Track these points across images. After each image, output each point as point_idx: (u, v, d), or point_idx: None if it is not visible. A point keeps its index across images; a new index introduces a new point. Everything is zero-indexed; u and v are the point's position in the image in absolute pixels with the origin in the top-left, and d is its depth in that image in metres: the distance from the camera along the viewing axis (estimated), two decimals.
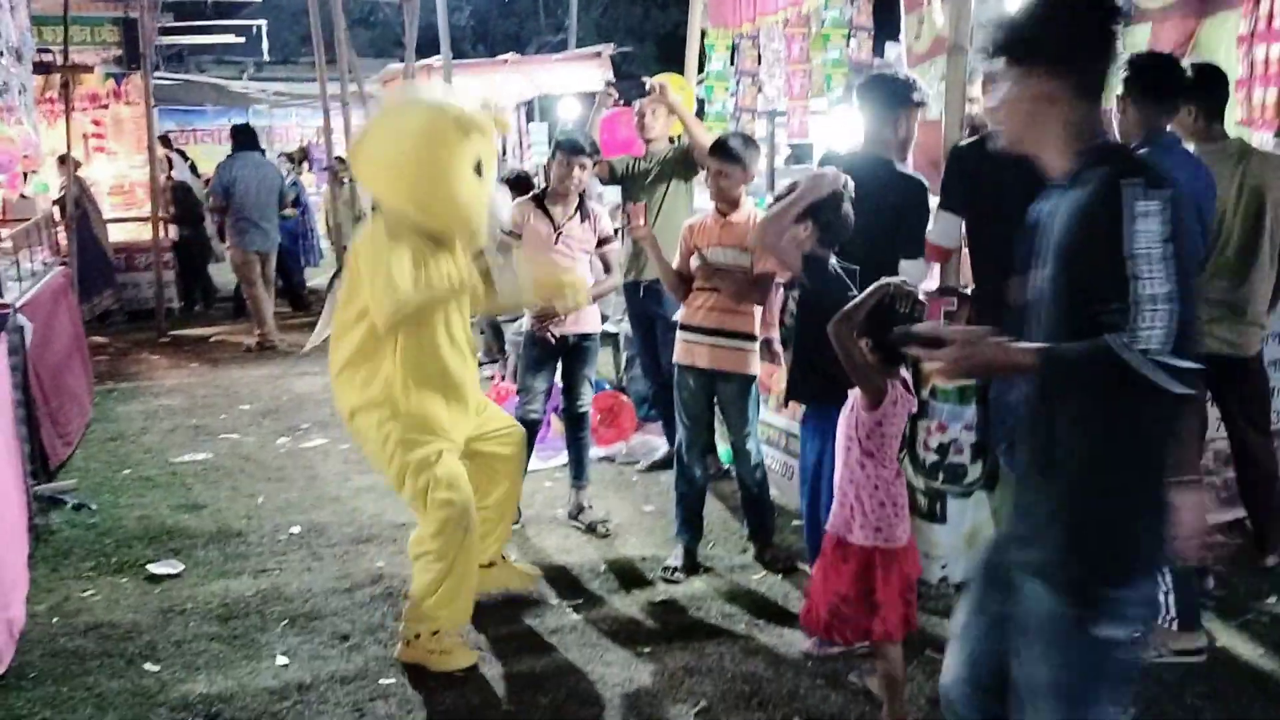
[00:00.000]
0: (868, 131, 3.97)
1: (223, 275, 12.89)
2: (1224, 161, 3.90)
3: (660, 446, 6.06)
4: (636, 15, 27.41)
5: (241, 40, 14.13)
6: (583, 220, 4.77)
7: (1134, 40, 5.74)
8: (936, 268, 4.07)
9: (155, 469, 6.01)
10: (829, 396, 3.39)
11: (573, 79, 12.96)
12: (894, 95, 3.92)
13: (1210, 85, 3.95)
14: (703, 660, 3.67)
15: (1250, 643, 3.70)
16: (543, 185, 5.00)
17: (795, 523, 4.87)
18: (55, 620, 4.09)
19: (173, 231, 11.37)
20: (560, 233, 4.73)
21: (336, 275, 10.28)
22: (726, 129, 6.00)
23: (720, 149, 4.29)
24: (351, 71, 10.34)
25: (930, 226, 3.92)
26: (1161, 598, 3.61)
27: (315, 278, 12.77)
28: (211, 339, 10.23)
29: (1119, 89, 3.68)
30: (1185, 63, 4.17)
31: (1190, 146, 3.90)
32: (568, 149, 4.74)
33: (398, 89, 12.70)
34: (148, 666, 3.73)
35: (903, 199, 3.84)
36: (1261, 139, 5.39)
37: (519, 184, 8.11)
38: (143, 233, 11.19)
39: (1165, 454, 2.00)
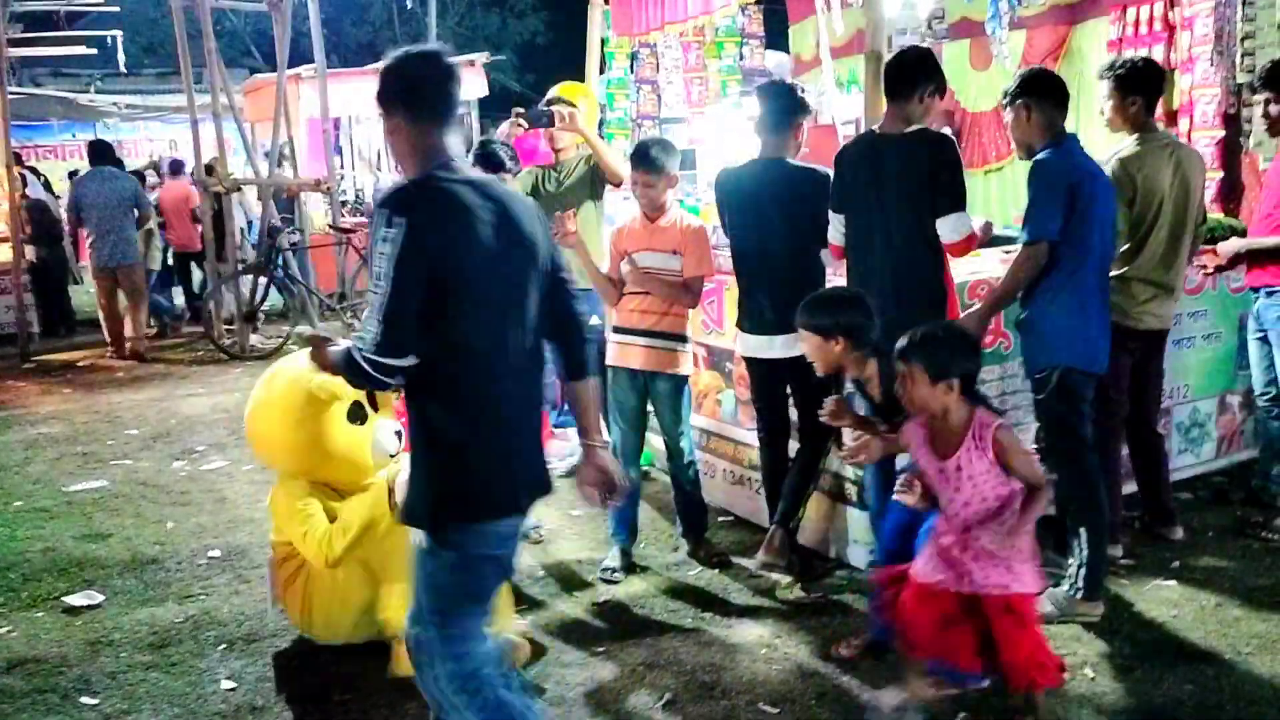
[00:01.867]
0: (767, 136, 4.23)
1: (79, 297, 12.38)
2: (1161, 151, 4.21)
3: (576, 451, 6.11)
4: (494, 24, 27.34)
5: (94, 52, 13.51)
6: None
7: (1012, 46, 6.09)
8: (842, 265, 4.23)
9: (49, 499, 5.74)
10: None
11: None
12: (797, 102, 4.23)
13: (1155, 80, 4.27)
14: (659, 655, 3.73)
15: (1163, 606, 3.96)
16: None
17: (721, 518, 4.99)
18: None
19: (29, 252, 10.80)
20: None
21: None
22: (629, 136, 6.08)
23: (642, 159, 4.36)
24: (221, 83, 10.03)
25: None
26: (1073, 569, 3.87)
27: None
28: (80, 363, 9.79)
29: (1015, 100, 3.93)
30: (1058, 67, 4.49)
31: (1133, 137, 4.21)
32: (489, 164, 4.67)
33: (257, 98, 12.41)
34: (85, 700, 3.59)
35: (810, 189, 4.14)
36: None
37: None
38: None
39: (457, 430, 2.55)
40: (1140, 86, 4.19)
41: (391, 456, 3.75)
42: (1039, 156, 3.81)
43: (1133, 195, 4.13)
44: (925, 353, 2.90)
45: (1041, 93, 3.87)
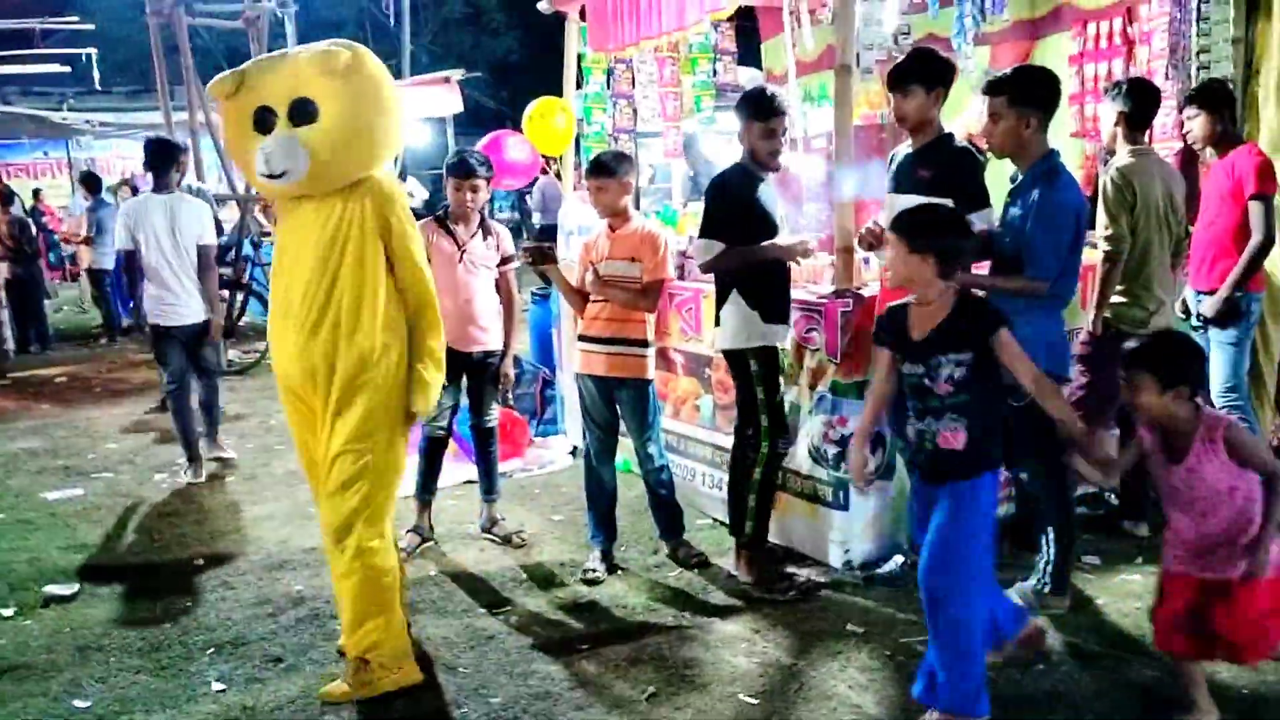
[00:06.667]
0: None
1: (53, 315, 12.40)
2: (1152, 164, 4.43)
3: (554, 459, 6.22)
4: (468, 41, 27.46)
5: (68, 69, 13.52)
6: (485, 238, 4.88)
7: (978, 61, 6.24)
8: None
9: (31, 511, 5.77)
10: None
11: (422, 104, 12.92)
12: (757, 104, 4.26)
13: (1147, 98, 4.48)
14: (642, 651, 3.83)
15: (1127, 598, 4.11)
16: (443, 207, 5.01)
17: (700, 521, 5.09)
18: None
19: (4, 269, 10.82)
20: (464, 251, 4.82)
21: None
22: (606, 148, 6.21)
23: (592, 166, 4.57)
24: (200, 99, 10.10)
25: None
26: (1041, 565, 4.00)
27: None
28: (57, 379, 9.80)
29: (1020, 104, 3.79)
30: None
31: (1126, 149, 4.43)
32: (460, 173, 4.77)
33: None
34: (77, 704, 3.64)
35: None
36: (1093, 148, 5.96)
37: None
38: None
39: None
40: (1131, 103, 4.41)
41: None
42: (1050, 194, 3.75)
43: (1134, 202, 4.29)
44: (1154, 362, 3.01)
45: (1047, 105, 3.86)
